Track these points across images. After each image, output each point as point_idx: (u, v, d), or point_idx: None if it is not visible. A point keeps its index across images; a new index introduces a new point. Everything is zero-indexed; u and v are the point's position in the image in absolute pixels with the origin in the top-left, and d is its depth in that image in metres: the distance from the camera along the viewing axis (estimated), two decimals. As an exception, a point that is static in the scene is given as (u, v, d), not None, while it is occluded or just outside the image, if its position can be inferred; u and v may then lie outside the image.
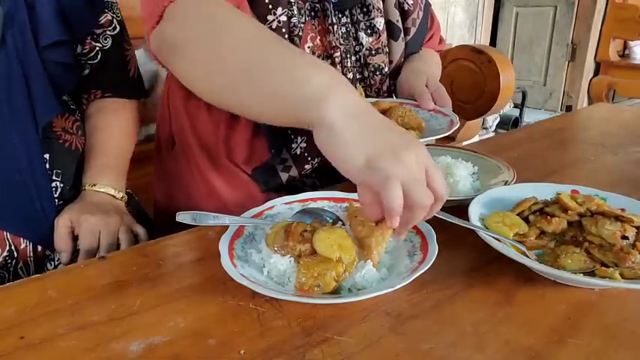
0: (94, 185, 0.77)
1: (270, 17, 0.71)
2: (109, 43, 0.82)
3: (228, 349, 0.42)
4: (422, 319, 0.46)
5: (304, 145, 0.80)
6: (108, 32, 0.82)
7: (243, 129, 0.81)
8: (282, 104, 0.50)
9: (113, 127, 0.84)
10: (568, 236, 0.56)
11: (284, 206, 0.64)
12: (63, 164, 0.76)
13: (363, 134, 0.45)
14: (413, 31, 0.91)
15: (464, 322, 0.45)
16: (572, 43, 3.89)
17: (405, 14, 0.89)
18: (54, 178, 0.74)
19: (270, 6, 0.71)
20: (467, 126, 1.73)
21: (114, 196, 0.78)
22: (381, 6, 0.84)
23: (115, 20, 0.82)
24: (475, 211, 0.58)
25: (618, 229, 0.53)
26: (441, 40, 1.06)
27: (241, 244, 0.56)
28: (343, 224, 0.59)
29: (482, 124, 3.04)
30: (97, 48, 0.81)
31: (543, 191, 0.62)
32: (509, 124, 3.38)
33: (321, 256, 0.49)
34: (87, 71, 0.81)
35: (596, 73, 3.93)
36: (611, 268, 0.49)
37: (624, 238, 0.52)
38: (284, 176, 0.82)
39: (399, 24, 0.87)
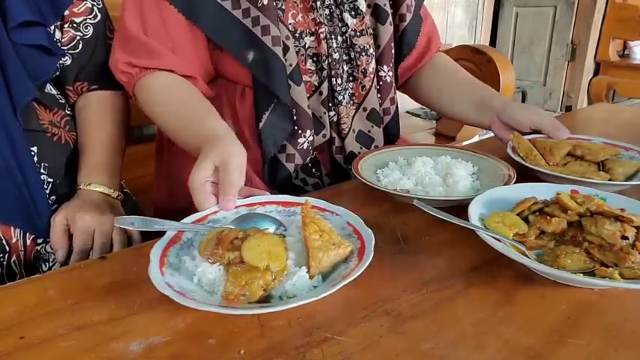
0: (89, 185, 0.76)
1: None
2: (89, 32, 0.80)
3: (228, 349, 0.42)
4: (422, 319, 0.46)
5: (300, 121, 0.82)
6: (88, 21, 0.80)
7: (246, 122, 0.82)
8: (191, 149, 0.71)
9: (102, 122, 0.83)
10: (568, 236, 0.56)
11: (230, 211, 0.61)
12: (51, 158, 0.75)
13: None
14: (409, 17, 0.92)
15: (464, 322, 0.45)
16: (571, 43, 3.88)
17: (398, 0, 0.90)
18: (41, 171, 0.73)
19: None
20: (466, 126, 1.73)
21: (109, 195, 0.78)
22: None
23: (95, 8, 0.81)
24: (475, 211, 0.58)
25: (618, 229, 0.53)
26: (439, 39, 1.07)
27: (177, 250, 0.54)
28: (285, 229, 0.58)
29: (482, 124, 3.04)
30: (78, 37, 0.79)
31: (543, 191, 0.62)
32: (509, 124, 3.37)
33: (250, 264, 0.48)
34: (68, 61, 0.79)
35: (596, 73, 3.93)
36: (610, 268, 0.49)
37: (624, 238, 0.52)
38: (290, 167, 0.83)
39: (387, 7, 0.88)
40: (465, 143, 1.57)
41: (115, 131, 0.84)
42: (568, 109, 4.02)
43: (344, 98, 0.86)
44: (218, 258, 0.50)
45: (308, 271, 0.49)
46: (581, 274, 0.48)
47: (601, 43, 3.79)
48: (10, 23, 0.69)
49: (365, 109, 0.90)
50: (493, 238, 0.53)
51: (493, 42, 4.11)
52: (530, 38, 4.12)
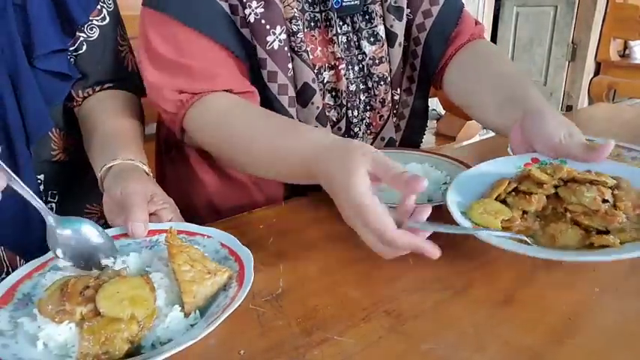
0: (131, 160, 0.63)
1: (269, 38, 0.69)
2: (95, 34, 0.73)
3: (228, 349, 0.43)
4: (422, 319, 0.46)
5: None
6: (95, 22, 0.73)
7: None
8: (286, 170, 0.61)
9: (119, 114, 0.73)
10: (548, 210, 0.55)
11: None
12: (58, 183, 0.71)
13: None
14: (435, 10, 0.83)
15: (464, 323, 0.45)
16: (572, 43, 3.88)
17: (414, 2, 0.83)
18: (49, 199, 0.70)
19: (268, 26, 0.69)
20: (467, 126, 1.73)
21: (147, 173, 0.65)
22: (382, 13, 0.80)
23: (104, 10, 0.74)
24: (453, 203, 0.56)
25: (597, 194, 0.53)
26: (477, 22, 0.88)
27: (9, 312, 0.44)
28: (114, 262, 0.50)
29: (483, 124, 3.04)
30: (82, 38, 0.73)
31: (504, 165, 0.62)
32: (509, 124, 3.36)
33: (109, 316, 0.41)
34: (71, 61, 0.73)
35: (597, 73, 3.92)
36: (611, 236, 0.49)
37: (604, 201, 0.52)
38: None
39: (395, 29, 0.81)
40: (465, 143, 1.57)
41: (134, 125, 0.74)
42: (569, 108, 4.02)
43: (360, 129, 0.83)
44: (67, 315, 0.41)
45: (182, 309, 0.43)
46: (585, 250, 0.48)
47: (601, 42, 3.79)
48: (38, 49, 0.64)
49: (383, 139, 0.87)
50: (493, 237, 0.51)
51: (493, 42, 4.10)
52: (531, 38, 4.12)
